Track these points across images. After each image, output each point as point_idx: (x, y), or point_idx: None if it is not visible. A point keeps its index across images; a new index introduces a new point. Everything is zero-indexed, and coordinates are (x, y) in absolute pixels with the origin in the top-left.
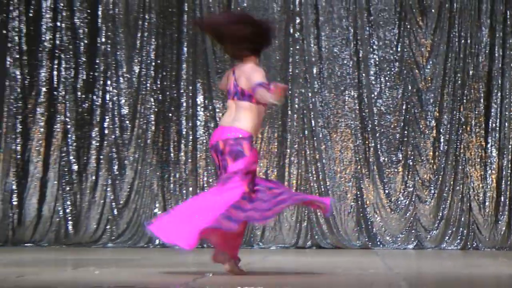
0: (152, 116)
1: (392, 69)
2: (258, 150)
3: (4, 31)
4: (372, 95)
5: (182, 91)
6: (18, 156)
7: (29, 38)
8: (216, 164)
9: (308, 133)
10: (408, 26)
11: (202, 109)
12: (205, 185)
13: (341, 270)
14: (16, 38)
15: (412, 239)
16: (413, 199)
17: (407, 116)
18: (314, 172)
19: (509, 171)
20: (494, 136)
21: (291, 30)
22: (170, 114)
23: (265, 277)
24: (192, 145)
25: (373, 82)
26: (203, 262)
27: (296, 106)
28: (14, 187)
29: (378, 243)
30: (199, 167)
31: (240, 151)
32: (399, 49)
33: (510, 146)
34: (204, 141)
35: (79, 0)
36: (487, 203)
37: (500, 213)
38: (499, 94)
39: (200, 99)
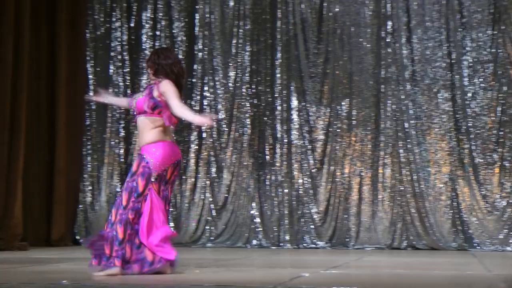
0: (248, 120)
1: (486, 70)
2: (351, 152)
3: (108, 41)
4: (466, 97)
5: (276, 95)
6: (122, 160)
7: (130, 47)
8: (162, 180)
9: (402, 135)
10: (503, 27)
11: (296, 112)
12: (300, 187)
13: (438, 271)
14: (119, 47)
15: (511, 240)
16: (511, 201)
17: (503, 118)
18: (408, 173)
19: None
20: None
21: (383, 34)
22: (265, 118)
23: (361, 277)
24: (287, 147)
25: (467, 83)
26: (299, 262)
27: (389, 108)
28: (118, 189)
29: (475, 244)
30: (294, 170)
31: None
32: (493, 50)
33: None
34: (299, 144)
35: (177, 9)
36: None
37: None
38: None
39: (294, 103)
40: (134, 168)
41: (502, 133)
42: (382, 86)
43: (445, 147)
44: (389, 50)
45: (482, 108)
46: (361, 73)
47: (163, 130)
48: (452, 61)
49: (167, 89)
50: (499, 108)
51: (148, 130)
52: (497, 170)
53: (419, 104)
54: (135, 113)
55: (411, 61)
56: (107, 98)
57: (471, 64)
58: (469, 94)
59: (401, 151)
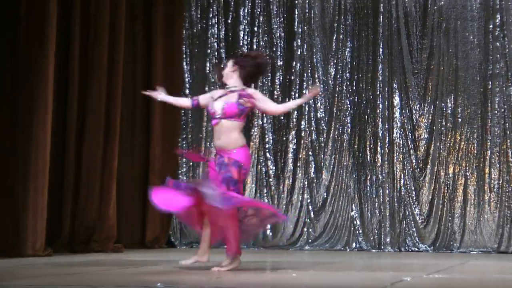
0: (348, 118)
1: None
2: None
3: (204, 38)
4: None
5: (378, 92)
6: None
7: (227, 43)
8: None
9: (510, 133)
10: None
11: (399, 110)
12: (402, 188)
13: None
14: (215, 44)
15: None
16: None
17: None
18: None
19: None
20: None
21: (491, 27)
22: (366, 116)
23: (466, 282)
24: (389, 147)
25: None
26: (401, 265)
27: (496, 105)
28: None
29: None
30: (396, 169)
31: None
32: None
33: None
34: (401, 143)
35: (276, 5)
36: None
37: None
38: None
39: (396, 100)
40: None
41: None
42: (489, 82)
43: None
44: (498, 44)
45: None
46: (467, 69)
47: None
48: None
49: (260, 96)
50: None
51: (236, 134)
52: None
53: None
54: (217, 115)
55: None
56: (161, 96)
57: None
58: None
59: (509, 150)
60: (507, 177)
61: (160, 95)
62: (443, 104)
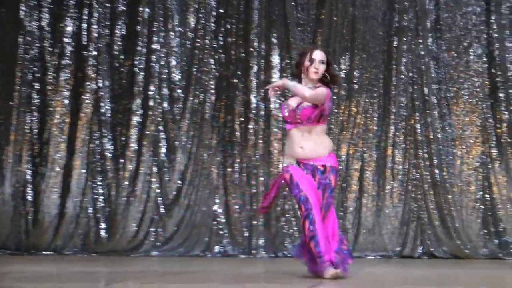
0: (212, 82)
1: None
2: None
3: None
4: (507, 53)
5: (252, 49)
6: (35, 137)
7: None
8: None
9: (419, 104)
10: None
11: (279, 73)
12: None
13: (460, 287)
14: None
15: None
16: None
17: None
18: (426, 156)
19: None
20: None
21: None
22: (236, 80)
23: None
24: (264, 121)
25: (508, 34)
26: (277, 274)
27: (403, 68)
28: (28, 176)
29: None
30: (274, 150)
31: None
32: None
33: None
34: (280, 115)
35: None
36: None
37: None
38: None
39: (275, 60)
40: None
41: None
42: (395, 38)
43: (476, 121)
44: None
45: None
46: (367, 21)
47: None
48: (491, 5)
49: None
50: None
51: (318, 140)
52: None
53: (444, 63)
54: (293, 122)
55: (434, 5)
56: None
57: None
58: (511, 50)
59: (417, 126)
60: (414, 160)
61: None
62: (335, 66)
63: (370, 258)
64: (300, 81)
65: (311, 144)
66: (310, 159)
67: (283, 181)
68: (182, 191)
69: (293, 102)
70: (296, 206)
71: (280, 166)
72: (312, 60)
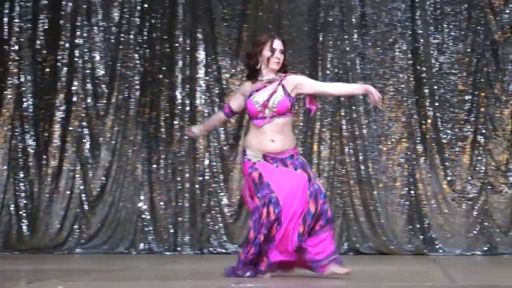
0: (136, 77)
1: (458, 14)
2: None
3: None
4: (431, 49)
5: (177, 44)
6: None
7: None
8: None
9: (344, 100)
10: None
11: (204, 68)
12: (207, 170)
13: (388, 283)
14: None
15: (483, 241)
16: (485, 189)
17: (478, 77)
18: (351, 152)
19: None
20: None
21: None
22: (161, 76)
23: None
24: (190, 117)
25: (432, 31)
26: (203, 272)
27: (329, 64)
28: None
29: (437, 247)
30: (199, 147)
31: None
32: None
33: None
34: (206, 111)
35: None
36: None
37: None
38: None
39: (201, 55)
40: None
41: (476, 98)
42: (321, 34)
43: (401, 117)
44: None
45: (452, 64)
46: (293, 16)
47: None
48: (415, 1)
49: (302, 78)
50: (473, 65)
51: (288, 133)
52: (468, 147)
53: (369, 58)
54: (266, 116)
55: (359, 1)
56: (197, 130)
57: (439, 6)
58: (435, 46)
59: (343, 122)
60: (340, 156)
61: (196, 130)
62: None
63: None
64: (255, 72)
65: (282, 137)
66: (280, 152)
67: (252, 180)
68: (107, 187)
69: (260, 96)
70: (258, 206)
71: (206, 162)
72: (273, 50)
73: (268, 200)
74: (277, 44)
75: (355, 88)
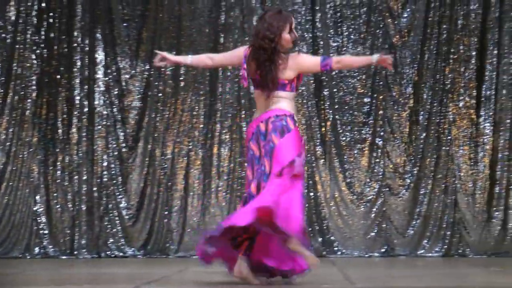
0: (33, 78)
1: (358, 18)
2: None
3: None
4: (331, 52)
5: (75, 44)
6: None
7: None
8: (256, 156)
9: (245, 103)
10: None
11: (103, 69)
12: (105, 172)
13: (286, 286)
14: None
15: (381, 243)
16: (382, 191)
17: (376, 80)
18: None
19: (506, 153)
20: (488, 108)
21: None
22: (58, 76)
23: None
24: (88, 118)
25: (332, 33)
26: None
27: (229, 66)
28: None
29: (336, 249)
30: (97, 148)
31: (284, 126)
32: None
33: (508, 121)
34: (104, 113)
35: None
36: (477, 196)
37: (494, 209)
38: (495, 52)
39: (99, 56)
40: None
41: (375, 101)
42: (222, 35)
43: (301, 119)
44: None
45: None
46: (194, 17)
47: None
48: (315, 4)
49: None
50: (372, 68)
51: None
52: (367, 150)
53: None
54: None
55: (260, 3)
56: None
57: (339, 10)
58: (335, 49)
59: (243, 124)
60: (240, 158)
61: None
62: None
63: (195, 258)
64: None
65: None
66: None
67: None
68: (0, 190)
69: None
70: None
71: (105, 164)
72: (292, 31)
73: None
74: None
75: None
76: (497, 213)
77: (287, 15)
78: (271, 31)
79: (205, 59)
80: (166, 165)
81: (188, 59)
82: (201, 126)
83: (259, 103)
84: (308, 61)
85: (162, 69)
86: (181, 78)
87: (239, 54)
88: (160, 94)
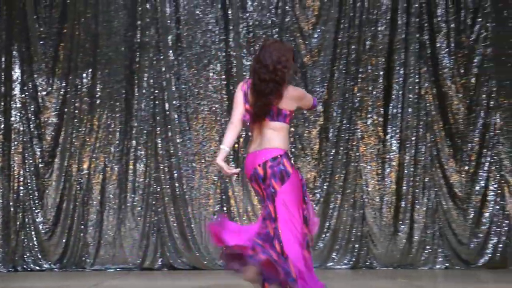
0: None
1: (270, 37)
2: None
3: None
4: (244, 71)
5: None
6: None
7: None
8: (260, 196)
9: (160, 119)
10: None
11: (19, 86)
12: (21, 187)
13: None
14: None
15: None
16: None
17: None
18: (167, 170)
19: (411, 169)
20: (394, 125)
21: None
22: None
23: None
24: (3, 133)
25: (245, 53)
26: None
27: (145, 84)
28: None
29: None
30: (14, 164)
31: (283, 170)
32: (279, 12)
33: (413, 138)
34: (21, 129)
35: None
36: (384, 210)
37: (400, 222)
38: (401, 71)
39: (16, 73)
40: None
41: None
42: (137, 54)
43: (215, 136)
44: (148, 6)
45: None
46: (110, 36)
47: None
48: (229, 24)
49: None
50: None
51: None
52: None
53: (185, 79)
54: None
55: (176, 23)
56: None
57: (251, 30)
58: (248, 68)
59: (158, 140)
60: (156, 174)
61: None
62: (77, 80)
63: (111, 271)
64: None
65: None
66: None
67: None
68: None
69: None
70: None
71: (21, 179)
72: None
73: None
74: None
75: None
76: (403, 226)
77: (290, 45)
78: (282, 63)
79: (236, 132)
80: (82, 180)
81: (226, 149)
82: (117, 142)
83: (255, 134)
84: (308, 96)
85: (79, 87)
86: (97, 95)
87: (239, 99)
88: (76, 111)
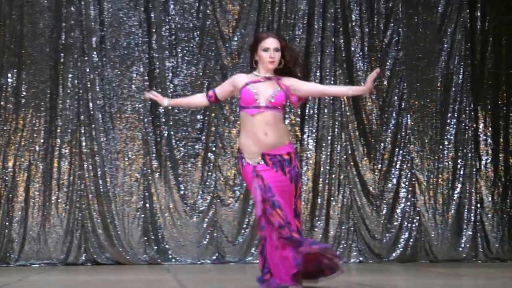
0: None
1: (192, 40)
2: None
3: None
4: (166, 72)
5: None
6: None
7: None
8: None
9: (85, 119)
10: None
11: None
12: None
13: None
14: None
15: (212, 251)
16: (214, 202)
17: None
18: (91, 168)
19: (327, 167)
20: (311, 125)
21: None
22: None
23: None
24: None
25: (168, 55)
26: None
27: (70, 84)
28: None
29: (170, 257)
30: None
31: (297, 173)
32: (200, 16)
33: (329, 137)
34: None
35: None
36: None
37: (317, 218)
38: (318, 73)
39: None
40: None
41: (206, 118)
42: (62, 55)
43: (139, 135)
44: (72, 9)
45: (185, 86)
46: (35, 37)
47: None
48: (152, 27)
49: (296, 80)
50: (205, 87)
51: (282, 128)
52: (199, 164)
53: (108, 79)
54: (261, 105)
55: (99, 25)
56: (167, 100)
57: (174, 32)
58: (170, 69)
59: (83, 139)
60: (80, 172)
61: (165, 100)
62: (2, 80)
63: (35, 267)
64: (254, 70)
65: (275, 130)
66: (277, 147)
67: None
68: None
69: (258, 85)
70: (265, 210)
71: None
72: (267, 49)
73: (271, 204)
74: (271, 42)
75: (349, 89)
76: (319, 222)
77: (262, 34)
78: (251, 45)
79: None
80: (7, 178)
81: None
82: (42, 140)
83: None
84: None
85: (4, 87)
86: (22, 95)
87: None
88: (1, 110)
